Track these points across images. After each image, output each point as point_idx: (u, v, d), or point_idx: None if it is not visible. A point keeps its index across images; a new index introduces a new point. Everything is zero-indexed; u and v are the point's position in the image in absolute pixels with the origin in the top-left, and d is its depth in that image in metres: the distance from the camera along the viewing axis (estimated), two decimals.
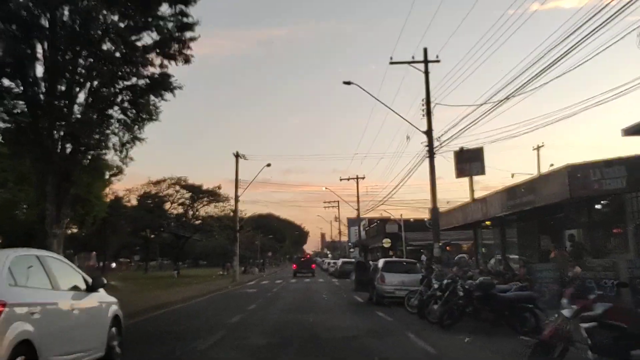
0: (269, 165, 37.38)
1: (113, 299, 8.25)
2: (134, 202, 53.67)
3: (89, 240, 46.02)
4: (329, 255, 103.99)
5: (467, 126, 18.22)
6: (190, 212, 53.96)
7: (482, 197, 19.47)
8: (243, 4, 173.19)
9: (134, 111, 24.30)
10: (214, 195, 53.12)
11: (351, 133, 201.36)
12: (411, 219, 47.18)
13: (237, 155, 38.70)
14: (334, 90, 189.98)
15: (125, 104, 23.87)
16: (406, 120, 20.95)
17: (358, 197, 53.05)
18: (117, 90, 23.53)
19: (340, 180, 52.74)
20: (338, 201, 69.99)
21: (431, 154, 19.92)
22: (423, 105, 20.42)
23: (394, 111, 21.30)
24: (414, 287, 15.68)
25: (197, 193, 53.16)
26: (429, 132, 20.07)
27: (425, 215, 54.69)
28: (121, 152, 24.44)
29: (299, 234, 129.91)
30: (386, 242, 44.67)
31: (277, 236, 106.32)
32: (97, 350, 7.28)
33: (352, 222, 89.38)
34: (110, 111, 23.50)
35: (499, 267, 17.57)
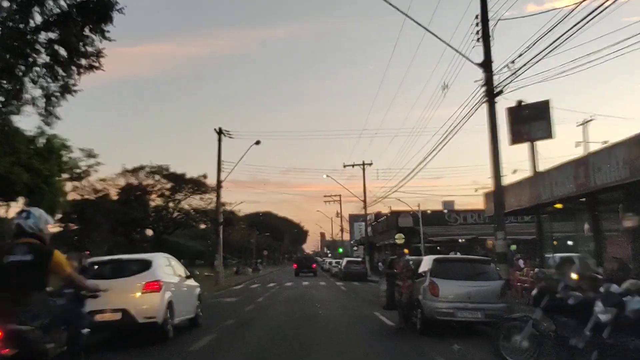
0: (258, 142, 30.65)
1: (197, 284, 12.93)
2: (115, 195, 47.31)
3: (81, 238, 40.91)
4: (329, 255, 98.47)
5: (551, 45, 11.35)
6: (171, 205, 47.08)
7: (579, 158, 12.68)
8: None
9: (64, 52, 18.14)
10: (198, 185, 46.22)
11: (351, 131, 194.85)
12: (428, 211, 40.49)
13: (219, 132, 31.77)
14: (334, 86, 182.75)
15: (52, 43, 17.84)
16: (449, 45, 13.90)
17: (364, 185, 46.48)
18: (41, 23, 17.48)
19: (344, 167, 46.01)
20: (340, 195, 63.41)
21: (491, 95, 13.04)
22: (477, 26, 13.53)
23: (431, 32, 14.04)
24: (491, 305, 8.92)
25: (180, 183, 46.20)
26: (487, 64, 13.16)
27: (438, 207, 48.24)
28: (45, 107, 18.25)
29: (298, 233, 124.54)
30: (399, 238, 37.58)
31: (274, 234, 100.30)
32: (191, 313, 11.63)
33: (355, 219, 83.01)
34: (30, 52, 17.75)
35: (588, 270, 10.40)
